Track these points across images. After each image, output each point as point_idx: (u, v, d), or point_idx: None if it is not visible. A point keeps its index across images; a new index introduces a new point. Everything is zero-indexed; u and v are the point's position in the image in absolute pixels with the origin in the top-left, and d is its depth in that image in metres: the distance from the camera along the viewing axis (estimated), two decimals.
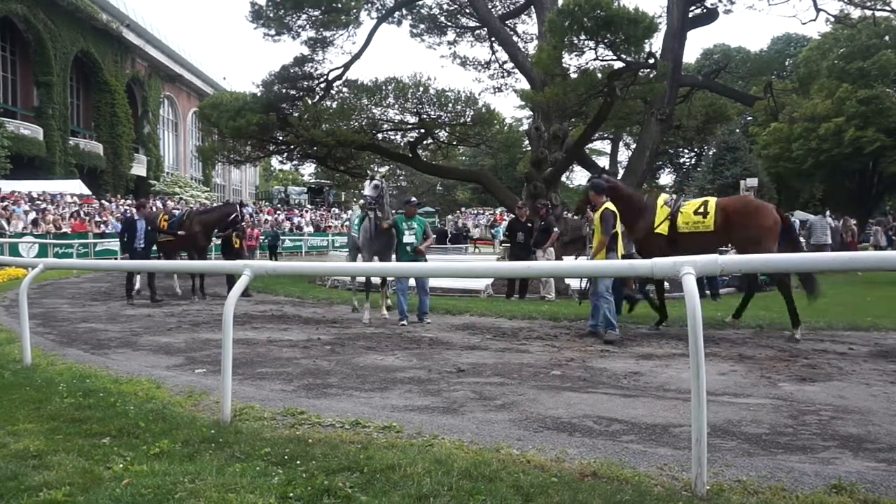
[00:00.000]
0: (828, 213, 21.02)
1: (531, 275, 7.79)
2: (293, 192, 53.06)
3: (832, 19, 21.51)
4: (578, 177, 43.77)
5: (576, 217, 8.27)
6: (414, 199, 9.38)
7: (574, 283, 11.30)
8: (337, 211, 44.44)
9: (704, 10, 16.18)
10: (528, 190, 15.04)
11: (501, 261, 12.93)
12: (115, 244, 19.78)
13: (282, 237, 27.53)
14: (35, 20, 31.98)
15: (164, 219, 12.04)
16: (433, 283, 12.63)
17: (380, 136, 17.60)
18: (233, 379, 4.04)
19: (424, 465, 3.05)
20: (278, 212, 39.06)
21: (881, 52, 30.52)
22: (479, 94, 41.55)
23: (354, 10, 16.63)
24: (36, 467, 3.07)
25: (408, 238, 8.65)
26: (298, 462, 3.11)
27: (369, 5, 18.53)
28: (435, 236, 8.96)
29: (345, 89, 17.47)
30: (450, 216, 42.89)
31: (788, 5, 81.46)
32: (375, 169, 27.23)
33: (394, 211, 9.49)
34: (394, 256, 8.91)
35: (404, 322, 8.35)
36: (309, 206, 46.03)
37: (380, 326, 8.31)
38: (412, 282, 9.00)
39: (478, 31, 20.51)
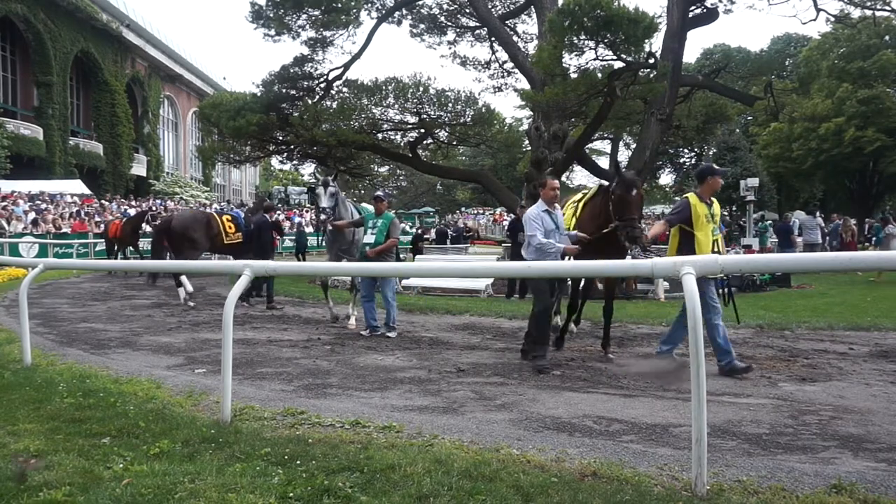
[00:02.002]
0: (818, 213, 21.09)
1: (531, 275, 7.72)
2: (293, 192, 53.05)
3: (832, 19, 21.55)
4: (578, 177, 43.78)
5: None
6: (381, 192, 8.16)
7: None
8: None
9: (704, 10, 16.19)
10: (528, 190, 15.04)
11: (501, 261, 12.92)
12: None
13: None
14: (35, 20, 31.99)
15: (228, 218, 11.43)
16: (432, 283, 12.72)
17: (380, 135, 17.60)
18: (233, 379, 4.04)
19: (424, 465, 3.05)
20: (278, 212, 39.04)
21: (881, 52, 30.50)
22: (479, 94, 41.60)
23: (354, 10, 16.62)
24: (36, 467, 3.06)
25: (368, 238, 7.65)
26: (298, 462, 3.11)
27: (369, 5, 18.53)
28: (397, 239, 7.95)
29: (345, 89, 17.47)
30: (449, 216, 42.89)
31: (788, 5, 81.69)
32: (376, 169, 27.14)
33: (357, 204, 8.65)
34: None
35: (364, 332, 7.60)
36: (309, 206, 46.01)
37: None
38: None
39: (478, 31, 20.50)
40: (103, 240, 19.52)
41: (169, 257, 11.52)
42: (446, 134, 18.28)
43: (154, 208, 26.98)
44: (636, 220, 5.43)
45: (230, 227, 11.18)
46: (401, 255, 16.56)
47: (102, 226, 20.84)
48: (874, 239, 18.63)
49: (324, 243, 9.14)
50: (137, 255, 18.36)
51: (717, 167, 5.93)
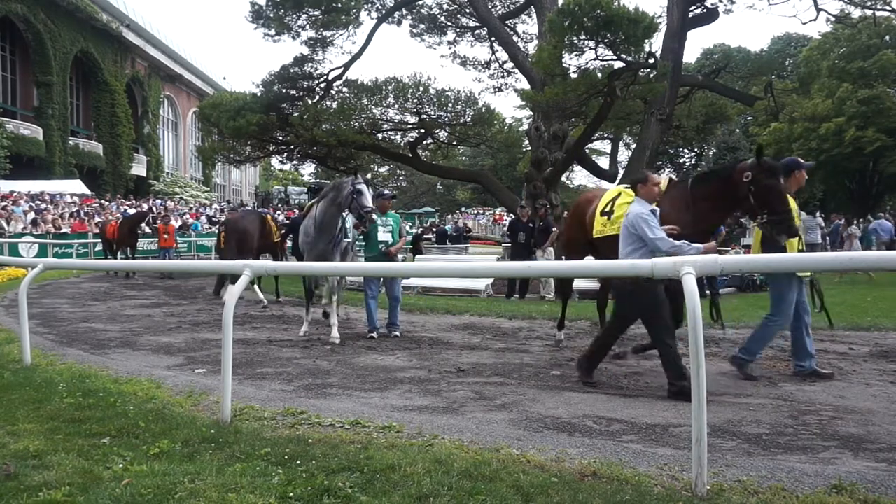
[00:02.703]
0: (817, 213, 21.10)
1: (531, 275, 7.68)
2: (293, 192, 53.03)
3: (832, 19, 21.56)
4: (578, 177, 43.70)
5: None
6: (387, 191, 8.12)
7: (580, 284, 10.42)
8: None
9: (704, 10, 16.20)
10: (527, 190, 15.05)
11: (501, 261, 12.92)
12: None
13: None
14: (35, 20, 31.98)
15: (270, 218, 11.57)
16: (432, 283, 12.71)
17: (380, 136, 17.61)
18: (233, 379, 4.04)
19: (424, 465, 3.04)
20: (278, 212, 39.05)
21: (881, 52, 30.55)
22: (479, 94, 41.58)
23: (354, 10, 16.64)
24: (36, 467, 3.06)
25: (382, 236, 7.52)
26: (298, 462, 3.11)
27: (369, 5, 18.54)
28: (409, 237, 7.84)
29: (345, 89, 17.48)
30: (450, 216, 42.88)
31: (788, 5, 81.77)
32: (376, 169, 27.12)
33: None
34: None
35: (373, 335, 7.37)
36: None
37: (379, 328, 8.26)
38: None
39: (478, 31, 20.52)
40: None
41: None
42: (446, 134, 18.29)
43: (155, 209, 26.99)
44: (790, 212, 4.76)
45: (273, 227, 11.37)
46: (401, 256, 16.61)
47: (99, 226, 20.74)
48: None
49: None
50: (124, 256, 17.92)
51: (802, 161, 5.53)
